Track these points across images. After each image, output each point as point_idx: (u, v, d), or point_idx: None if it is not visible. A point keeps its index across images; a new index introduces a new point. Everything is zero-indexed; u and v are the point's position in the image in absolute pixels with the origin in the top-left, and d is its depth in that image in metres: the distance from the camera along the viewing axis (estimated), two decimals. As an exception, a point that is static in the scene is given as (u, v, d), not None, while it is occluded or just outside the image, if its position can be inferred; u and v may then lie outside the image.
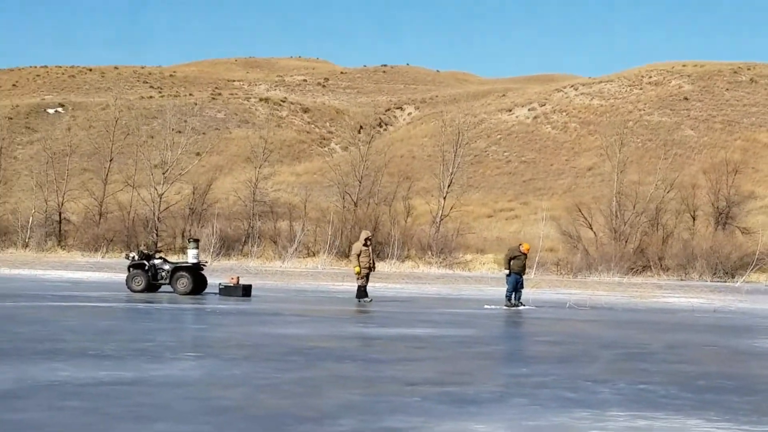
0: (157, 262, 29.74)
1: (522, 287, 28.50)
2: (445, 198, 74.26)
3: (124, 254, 36.42)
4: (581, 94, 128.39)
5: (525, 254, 28.93)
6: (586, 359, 14.42)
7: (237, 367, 12.19)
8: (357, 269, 27.97)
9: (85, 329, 17.11)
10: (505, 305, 27.92)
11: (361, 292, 28.24)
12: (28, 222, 74.72)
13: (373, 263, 28.77)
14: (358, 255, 28.07)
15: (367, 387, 10.81)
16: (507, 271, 28.59)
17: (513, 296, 28.12)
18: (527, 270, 29.45)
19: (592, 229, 67.96)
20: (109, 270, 45.50)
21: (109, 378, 10.93)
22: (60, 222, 75.64)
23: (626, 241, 65.71)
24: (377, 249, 67.77)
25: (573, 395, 10.49)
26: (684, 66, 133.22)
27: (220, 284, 29.99)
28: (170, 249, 64.32)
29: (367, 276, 28.24)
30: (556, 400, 10.14)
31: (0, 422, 8.19)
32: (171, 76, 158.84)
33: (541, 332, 19.93)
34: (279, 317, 21.68)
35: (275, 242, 71.22)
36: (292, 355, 13.88)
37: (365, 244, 28.42)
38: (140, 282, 29.35)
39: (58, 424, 8.20)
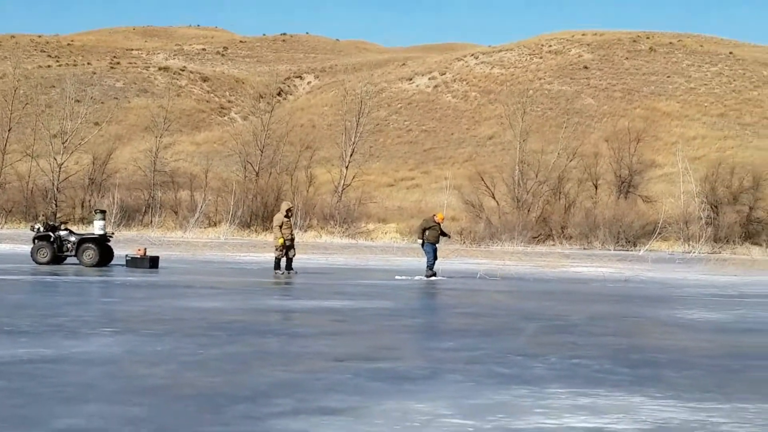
0: (62, 233, 29.14)
1: (436, 258, 28.37)
2: (347, 167, 74.11)
3: (29, 226, 35.63)
4: (481, 62, 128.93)
5: (439, 224, 28.80)
6: (510, 332, 14.31)
7: (158, 343, 11.84)
8: (281, 240, 27.51)
9: (-6, 304, 16.61)
10: (426, 275, 27.74)
11: (277, 263, 27.84)
12: None
13: (293, 234, 28.38)
14: (280, 226, 27.65)
15: (296, 363, 10.54)
16: (420, 241, 28.44)
17: (434, 265, 28.02)
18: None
19: (494, 198, 68.36)
20: (10, 241, 44.46)
21: (29, 356, 10.53)
22: (-44, 192, 73.87)
23: (529, 210, 66.26)
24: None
25: (507, 371, 10.34)
26: (583, 35, 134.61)
27: (126, 256, 29.44)
28: (70, 219, 63.15)
29: (290, 247, 27.82)
30: (491, 376, 9.98)
31: None
32: (69, 45, 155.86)
33: (458, 304, 19.82)
34: (191, 290, 21.27)
35: (176, 212, 70.51)
36: (212, 330, 13.56)
37: (287, 216, 28.01)
38: (45, 254, 28.74)
39: (-18, 408, 7.83)
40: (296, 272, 27.74)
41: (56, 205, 71.29)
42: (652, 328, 16.17)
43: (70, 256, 29.05)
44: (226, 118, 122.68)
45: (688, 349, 12.81)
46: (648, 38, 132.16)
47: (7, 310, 15.60)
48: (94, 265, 28.40)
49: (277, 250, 27.74)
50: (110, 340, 12.06)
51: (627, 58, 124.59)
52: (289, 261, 27.80)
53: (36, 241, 29.23)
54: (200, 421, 7.49)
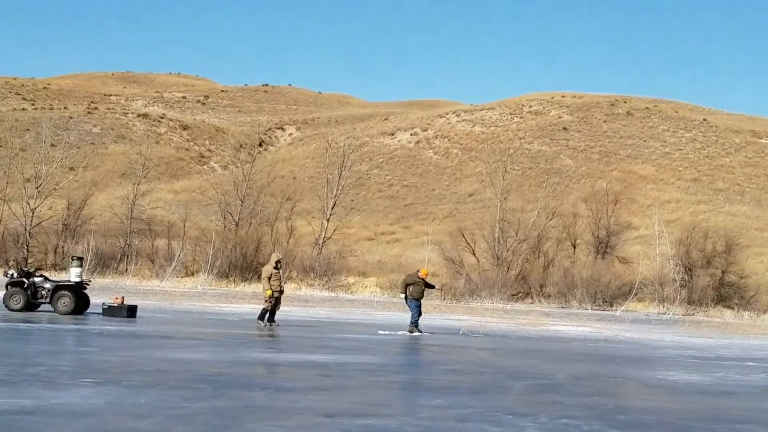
0: (37, 279, 28.56)
1: (420, 314, 28.11)
2: (328, 220, 73.94)
3: (2, 271, 35.06)
4: (463, 120, 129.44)
5: (423, 280, 28.58)
6: (498, 390, 14.10)
7: (142, 395, 11.53)
8: (269, 292, 27.13)
9: (-30, 351, 16.24)
10: (409, 330, 27.47)
11: (263, 315, 27.46)
12: None
13: (282, 287, 28.02)
14: (269, 278, 27.30)
15: (285, 419, 10.28)
16: (403, 295, 28.19)
17: (418, 322, 27.75)
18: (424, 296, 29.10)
19: (474, 254, 68.22)
20: (-19, 286, 43.95)
21: (7, 406, 10.20)
22: (-74, 236, 73.18)
23: (508, 268, 66.11)
24: (258, 270, 67.12)
25: (499, 430, 10.14)
26: (563, 97, 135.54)
27: (103, 304, 28.96)
28: (42, 265, 62.55)
29: (278, 299, 27.48)
30: (484, 435, 9.76)
31: None
32: (45, 88, 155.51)
33: (443, 360, 19.58)
34: (172, 340, 20.94)
35: (153, 261, 69.96)
36: (197, 382, 13.26)
37: (276, 267, 27.64)
38: (18, 300, 28.14)
39: (-37, 461, 7.52)
40: (278, 325, 27.36)
41: (28, 251, 70.55)
42: (635, 388, 16.11)
43: (45, 303, 28.43)
44: (205, 167, 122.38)
45: (673, 411, 12.74)
46: (625, 102, 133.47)
47: (-16, 357, 15.27)
48: (69, 313, 27.88)
49: (265, 301, 27.39)
50: (91, 391, 11.74)
51: (605, 121, 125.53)
52: (272, 313, 27.43)
53: (9, 287, 28.58)
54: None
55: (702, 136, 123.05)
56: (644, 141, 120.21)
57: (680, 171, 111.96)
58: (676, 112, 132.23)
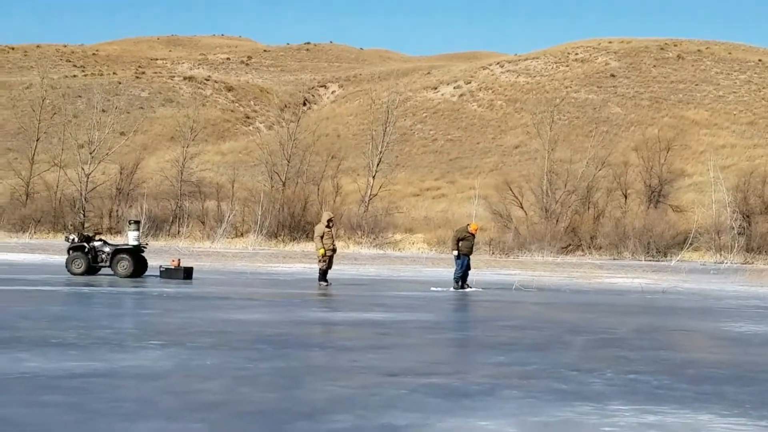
0: (97, 244, 29.13)
1: (469, 269, 28.06)
2: (374, 177, 74.00)
3: (63, 236, 35.62)
4: (507, 71, 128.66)
5: (473, 234, 28.51)
6: (559, 346, 14.12)
7: (207, 357, 11.71)
8: (321, 251, 27.30)
9: (38, 315, 16.50)
10: (453, 287, 27.52)
11: (323, 275, 27.62)
12: (-46, 203, 73.40)
13: (335, 245, 28.13)
14: (321, 237, 27.45)
15: (348, 378, 10.38)
16: (455, 252, 28.08)
17: (460, 279, 27.73)
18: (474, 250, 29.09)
19: (522, 208, 68.07)
20: (41, 251, 44.63)
21: (80, 369, 10.40)
22: (-14, 202, 74.37)
23: (557, 220, 65.86)
24: (306, 229, 67.43)
25: (565, 387, 10.14)
26: (610, 43, 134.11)
27: (160, 267, 29.37)
28: (98, 229, 63.27)
29: (330, 258, 27.63)
30: (549, 392, 9.78)
31: (-20, 421, 7.67)
32: (94, 54, 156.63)
33: (500, 316, 19.61)
34: (229, 301, 21.17)
35: (203, 223, 70.55)
36: (258, 343, 13.42)
37: (328, 226, 27.78)
38: (80, 264, 28.73)
39: (42, 423, 7.66)
40: (329, 284, 27.50)
41: (84, 215, 71.53)
42: (702, 341, 15.94)
43: (105, 266, 29.05)
44: (251, 127, 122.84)
45: (745, 364, 12.57)
46: (675, 46, 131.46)
47: (51, 321, 15.53)
48: (128, 276, 28.40)
49: (319, 260, 27.55)
50: (158, 353, 11.93)
51: (654, 66, 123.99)
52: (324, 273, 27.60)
53: (70, 251, 29.23)
54: (264, 440, 7.35)
55: (757, 77, 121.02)
56: (696, 85, 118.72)
57: (735, 115, 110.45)
58: (730, 53, 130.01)
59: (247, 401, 8.90)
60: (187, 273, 28.78)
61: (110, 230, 65.95)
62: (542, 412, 8.65)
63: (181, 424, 7.79)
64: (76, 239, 29.44)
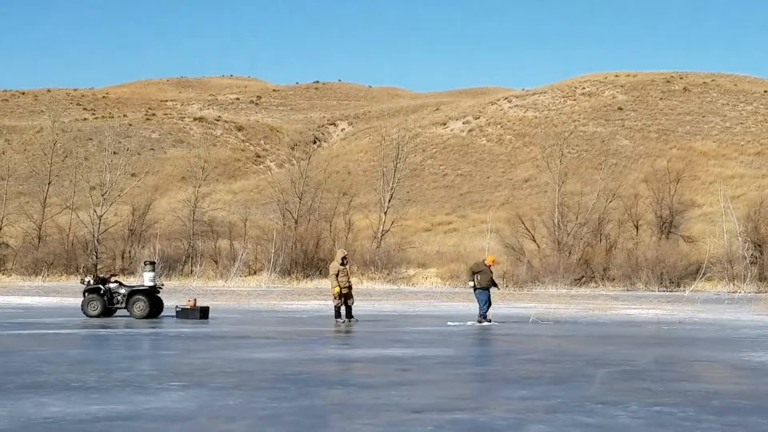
0: (112, 285, 29.16)
1: (489, 303, 27.98)
2: (385, 213, 74.09)
3: (79, 279, 35.68)
4: (515, 106, 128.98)
5: (490, 267, 28.41)
6: (581, 379, 14.06)
7: (230, 397, 11.67)
8: (337, 289, 27.38)
9: (58, 359, 16.46)
10: (478, 321, 27.39)
11: (337, 312, 27.64)
12: (-33, 247, 73.62)
13: (350, 282, 28.14)
14: (336, 275, 27.50)
15: (373, 416, 10.34)
16: (471, 283, 27.98)
17: (480, 312, 27.62)
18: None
19: (534, 240, 68.05)
20: (55, 294, 44.66)
21: (103, 413, 10.36)
22: (-1, 246, 74.62)
23: (570, 252, 65.82)
24: (319, 266, 67.45)
25: (591, 420, 10.10)
26: (617, 76, 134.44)
27: (177, 307, 29.37)
28: (109, 271, 63.37)
29: (345, 296, 27.62)
30: (576, 426, 9.74)
31: (8, 468, 7.64)
32: (104, 97, 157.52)
33: (519, 350, 19.54)
34: (247, 340, 21.14)
35: (216, 261, 70.61)
36: (280, 382, 13.38)
37: (342, 263, 27.84)
38: (96, 306, 28.74)
39: (71, 469, 7.66)
40: (357, 320, 27.55)
41: (97, 257, 71.66)
42: (723, 372, 15.84)
43: (121, 308, 29.07)
44: (261, 166, 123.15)
45: (769, 395, 12.52)
46: (681, 78, 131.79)
47: (71, 365, 15.51)
48: (144, 317, 28.42)
49: (335, 298, 27.60)
50: (180, 395, 11.89)
51: (661, 99, 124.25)
52: (348, 309, 27.65)
53: (86, 294, 29.25)
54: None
55: (764, 108, 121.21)
56: (703, 117, 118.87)
57: (742, 145, 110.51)
58: (735, 85, 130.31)
59: (275, 441, 8.88)
60: (204, 313, 28.77)
61: (123, 271, 66.05)
62: (571, 447, 8.62)
63: (211, 465, 7.76)
64: (92, 281, 29.49)
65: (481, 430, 9.49)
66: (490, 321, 27.48)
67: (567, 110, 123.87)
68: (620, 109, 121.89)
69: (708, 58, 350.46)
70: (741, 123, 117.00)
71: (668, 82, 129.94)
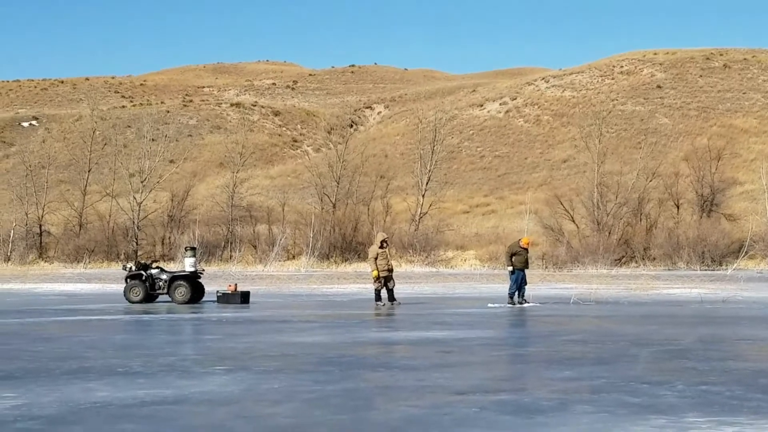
0: (154, 271, 29.38)
1: (525, 284, 27.94)
2: (423, 196, 74.05)
3: (120, 265, 35.93)
4: (552, 86, 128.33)
5: (526, 249, 28.37)
6: (625, 359, 13.99)
7: (274, 381, 11.69)
8: (375, 273, 27.34)
9: (102, 345, 16.58)
10: (508, 303, 27.43)
11: (378, 295, 27.63)
12: (9, 235, 74.23)
13: (391, 265, 28.04)
14: (375, 258, 27.45)
15: (418, 398, 10.32)
16: (510, 268, 27.99)
17: (516, 294, 27.62)
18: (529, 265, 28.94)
19: (573, 221, 67.81)
20: (97, 281, 44.95)
21: (150, 397, 10.41)
22: (41, 234, 75.19)
23: (609, 233, 65.56)
24: (358, 250, 67.54)
25: (637, 400, 10.03)
26: (655, 54, 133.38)
27: (218, 292, 29.51)
28: (149, 257, 63.74)
29: (385, 279, 27.57)
30: (622, 406, 9.67)
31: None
32: (141, 85, 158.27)
33: (561, 331, 19.47)
34: (288, 324, 21.21)
35: (255, 246, 70.87)
36: (323, 365, 13.40)
37: (381, 247, 27.77)
38: (138, 292, 28.96)
39: (120, 454, 7.68)
40: (399, 303, 27.53)
41: (137, 243, 72.13)
42: (769, 350, 15.76)
43: (162, 293, 29.27)
44: (298, 151, 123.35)
45: (816, 372, 12.41)
46: (721, 55, 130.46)
47: (116, 351, 15.60)
48: (186, 302, 28.60)
49: (374, 281, 27.59)
50: (225, 378, 11.93)
51: (701, 76, 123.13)
52: (390, 292, 27.60)
53: (128, 280, 29.47)
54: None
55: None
56: (744, 93, 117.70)
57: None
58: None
59: (321, 424, 8.88)
60: (244, 297, 28.87)
61: (163, 257, 66.43)
62: (618, 427, 8.56)
63: (258, 448, 7.77)
64: (134, 268, 29.69)
65: (526, 411, 9.45)
66: (527, 302, 27.43)
67: (605, 89, 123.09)
68: (659, 87, 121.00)
69: (748, 34, 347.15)
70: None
71: (708, 59, 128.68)
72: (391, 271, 27.77)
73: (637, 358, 14.07)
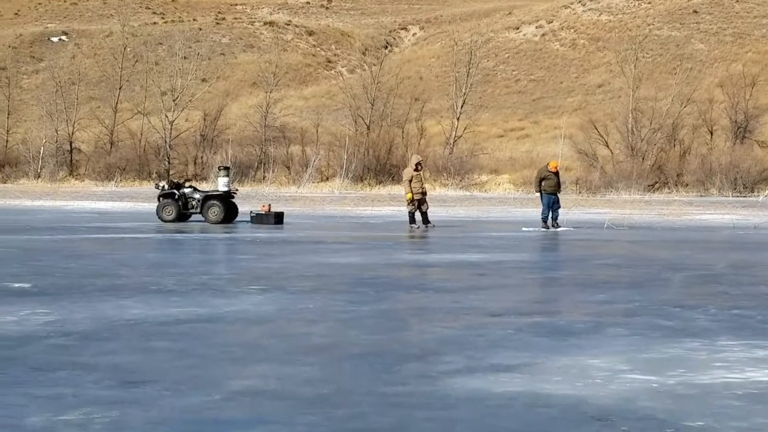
0: (187, 191, 29.39)
1: (559, 207, 27.84)
2: (458, 119, 73.75)
3: (153, 184, 36.00)
4: (589, 9, 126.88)
5: (555, 173, 28.15)
6: (658, 283, 14.02)
7: (309, 300, 11.77)
8: (409, 195, 27.27)
9: (135, 262, 16.69)
10: (542, 227, 27.41)
11: (412, 218, 27.61)
12: (39, 152, 74.45)
13: (425, 188, 27.91)
14: (410, 181, 27.36)
15: (453, 320, 10.37)
16: (538, 193, 27.94)
17: (549, 218, 27.58)
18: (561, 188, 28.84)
19: (608, 146, 67.48)
20: (128, 199, 45.23)
21: (184, 315, 10.49)
22: (71, 151, 75.38)
23: (643, 158, 65.22)
24: (392, 172, 67.50)
25: (670, 323, 10.07)
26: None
27: (251, 212, 29.55)
28: (181, 177, 63.92)
29: (419, 201, 27.49)
30: (655, 329, 9.71)
31: (97, 366, 7.71)
32: (173, 1, 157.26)
33: (595, 255, 19.49)
34: (323, 245, 21.28)
35: (288, 168, 70.93)
36: (358, 286, 13.48)
37: (416, 169, 27.65)
38: (171, 211, 28.98)
39: (157, 369, 7.68)
40: (434, 225, 27.44)
41: (169, 162, 72.26)
42: (804, 276, 15.73)
43: (195, 213, 29.23)
44: (333, 71, 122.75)
45: None
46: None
47: (149, 269, 15.70)
48: (219, 222, 28.63)
49: (408, 204, 27.58)
50: (259, 298, 12.00)
51: (737, 2, 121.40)
52: (424, 215, 27.49)
53: (161, 198, 29.49)
54: (377, 382, 7.31)
55: None
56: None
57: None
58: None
59: (356, 344, 8.93)
60: (278, 218, 28.90)
61: (196, 177, 66.56)
62: (651, 349, 8.59)
63: (294, 367, 7.82)
64: (166, 186, 29.70)
65: (560, 332, 9.50)
66: (561, 227, 27.39)
67: (641, 14, 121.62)
68: (695, 12, 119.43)
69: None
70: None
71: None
72: (424, 194, 27.67)
73: (669, 283, 14.10)
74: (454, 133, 72.88)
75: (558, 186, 28.09)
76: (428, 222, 27.51)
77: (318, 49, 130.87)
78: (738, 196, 57.39)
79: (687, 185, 62.27)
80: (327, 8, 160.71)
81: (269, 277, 14.58)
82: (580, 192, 58.71)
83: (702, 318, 10.46)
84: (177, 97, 74.54)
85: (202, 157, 72.24)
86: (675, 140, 67.67)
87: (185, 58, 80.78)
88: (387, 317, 10.60)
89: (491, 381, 7.35)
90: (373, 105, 74.93)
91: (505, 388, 7.12)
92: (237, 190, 32.08)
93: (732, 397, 6.89)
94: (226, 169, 31.19)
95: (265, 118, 74.99)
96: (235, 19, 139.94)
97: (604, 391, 7.03)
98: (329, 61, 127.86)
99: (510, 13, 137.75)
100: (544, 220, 27.53)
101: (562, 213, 28.55)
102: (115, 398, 6.76)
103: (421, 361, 8.08)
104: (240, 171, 67.39)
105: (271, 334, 9.40)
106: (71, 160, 75.12)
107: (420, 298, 12.34)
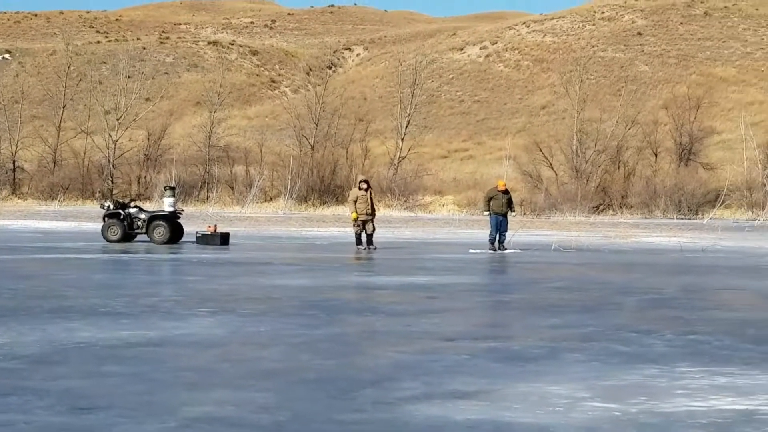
0: (132, 211, 29.09)
1: (506, 230, 27.75)
2: (402, 139, 73.78)
3: (99, 204, 35.62)
4: (533, 31, 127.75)
5: (504, 191, 28.08)
6: (611, 307, 13.97)
7: (259, 324, 11.58)
8: (354, 215, 27.04)
9: (82, 284, 16.44)
10: (489, 249, 27.33)
11: (358, 239, 27.37)
12: (-19, 171, 73.61)
13: (373, 209, 27.57)
14: (355, 201, 27.15)
15: (406, 344, 10.22)
16: (487, 213, 27.90)
17: (496, 240, 27.50)
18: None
19: (552, 168, 67.74)
20: (72, 218, 44.71)
21: (134, 338, 10.27)
22: (14, 170, 74.50)
23: (588, 180, 65.55)
24: (336, 193, 67.37)
25: (626, 349, 9.97)
26: (636, 0, 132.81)
27: (197, 233, 29.24)
28: (125, 196, 63.39)
29: (364, 223, 27.23)
30: (612, 354, 9.61)
31: (47, 392, 7.50)
32: (117, 20, 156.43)
33: (544, 278, 19.44)
34: (270, 267, 21.09)
35: (232, 188, 70.59)
36: (308, 309, 13.31)
37: (362, 188, 27.43)
38: (116, 231, 28.68)
39: (109, 395, 7.47)
40: (376, 248, 27.21)
41: (112, 182, 71.66)
42: (754, 300, 15.73)
43: (141, 233, 28.99)
44: (277, 91, 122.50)
45: (804, 323, 12.39)
46: (702, 3, 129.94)
47: (97, 290, 15.45)
48: (164, 243, 28.38)
49: (353, 224, 27.36)
50: (209, 321, 11.81)
51: (681, 24, 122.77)
52: (369, 237, 27.26)
53: (106, 218, 29.19)
54: (333, 408, 7.16)
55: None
56: (723, 42, 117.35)
57: (763, 71, 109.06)
58: (757, 9, 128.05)
59: (309, 368, 8.76)
60: (224, 239, 28.66)
61: (139, 196, 65.94)
62: (610, 376, 8.48)
63: (248, 393, 7.65)
64: (112, 206, 29.40)
65: (517, 358, 9.37)
66: (506, 249, 27.29)
67: (586, 35, 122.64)
68: (640, 34, 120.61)
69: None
70: (762, 48, 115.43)
71: (689, 6, 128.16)
72: (370, 214, 27.33)
73: (622, 307, 14.06)
74: (398, 153, 72.88)
75: (509, 205, 27.98)
76: (371, 244, 27.22)
77: (262, 68, 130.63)
78: (682, 218, 57.79)
79: (631, 207, 62.66)
80: (271, 28, 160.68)
81: (218, 299, 14.37)
82: (524, 213, 58.80)
83: (659, 343, 10.38)
84: (121, 117, 73.96)
85: (145, 177, 71.67)
86: (619, 162, 68.09)
87: (129, 77, 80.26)
88: (339, 341, 10.44)
89: (450, 408, 7.21)
90: (317, 125, 74.77)
91: (465, 416, 6.98)
92: (182, 210, 31.79)
93: (697, 426, 6.79)
94: (172, 189, 30.92)
95: (209, 138, 74.53)
96: (179, 38, 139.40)
97: (566, 420, 6.90)
98: (273, 81, 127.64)
99: (454, 34, 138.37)
100: (491, 241, 27.45)
101: (508, 235, 28.40)
102: (67, 425, 6.58)
103: (377, 387, 7.93)
104: (184, 191, 66.93)
105: (223, 359, 9.21)
106: (14, 179, 74.28)
107: (372, 321, 12.18)
